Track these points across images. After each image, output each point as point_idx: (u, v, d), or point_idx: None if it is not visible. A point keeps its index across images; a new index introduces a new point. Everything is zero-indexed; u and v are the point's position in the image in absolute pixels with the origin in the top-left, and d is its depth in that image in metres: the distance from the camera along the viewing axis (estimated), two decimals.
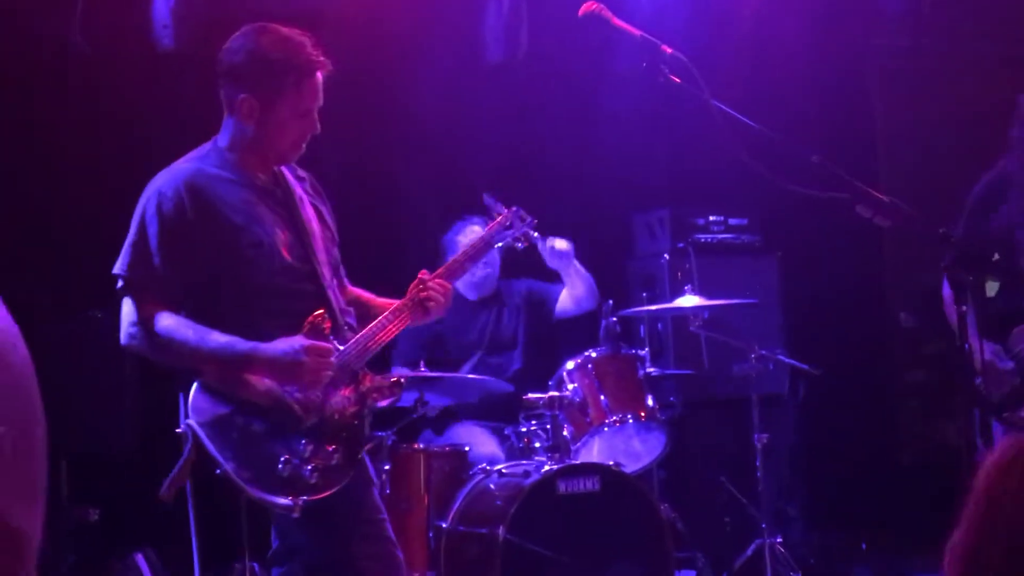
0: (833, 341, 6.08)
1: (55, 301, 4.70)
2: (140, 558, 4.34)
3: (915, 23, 6.05)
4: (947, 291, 3.81)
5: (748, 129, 2.77)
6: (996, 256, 3.31)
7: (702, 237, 5.92)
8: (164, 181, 3.02)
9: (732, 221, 6.02)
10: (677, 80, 2.82)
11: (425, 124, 5.78)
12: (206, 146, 3.13)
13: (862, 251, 6.18)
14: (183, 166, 3.07)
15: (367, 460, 3.16)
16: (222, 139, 3.12)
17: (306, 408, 2.97)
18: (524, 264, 5.33)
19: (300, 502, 2.89)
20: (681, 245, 5.77)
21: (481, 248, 3.50)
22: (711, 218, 5.98)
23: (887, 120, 6.47)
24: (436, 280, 3.25)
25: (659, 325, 5.74)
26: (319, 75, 3.05)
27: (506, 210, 3.57)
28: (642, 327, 5.46)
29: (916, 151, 6.48)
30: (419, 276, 3.26)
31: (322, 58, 3.05)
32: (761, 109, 5.92)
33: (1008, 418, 3.66)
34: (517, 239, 3.55)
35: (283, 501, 2.88)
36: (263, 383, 2.94)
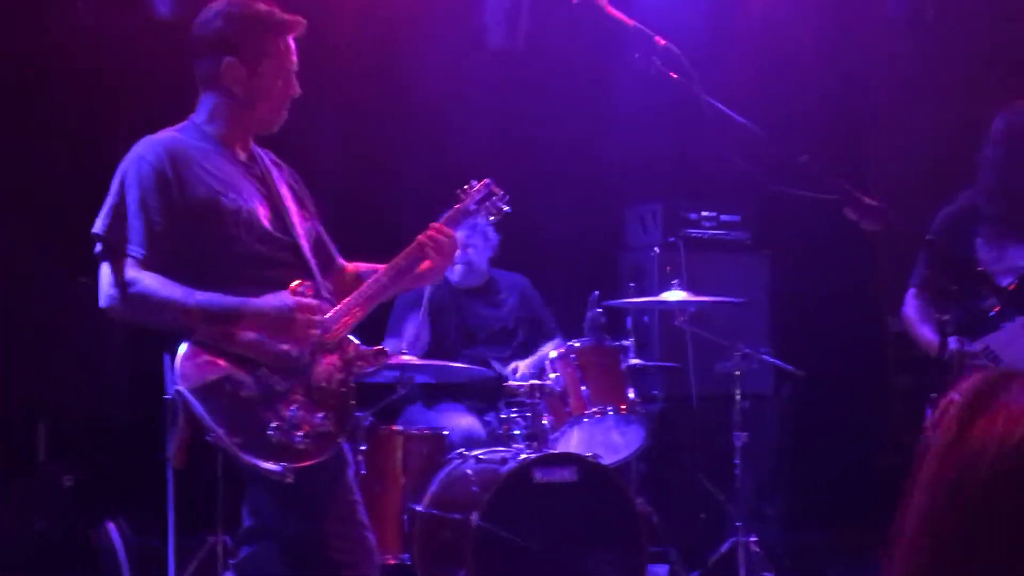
0: (821, 342, 6.06)
1: (43, 265, 4.67)
2: (112, 527, 4.32)
3: (919, 28, 6.03)
4: (909, 308, 3.83)
5: (739, 126, 2.75)
6: (980, 269, 3.31)
7: (694, 232, 5.91)
8: (145, 147, 3.02)
9: (724, 217, 6.00)
10: (674, 76, 2.80)
11: (422, 107, 5.76)
12: (182, 124, 3.13)
13: (855, 253, 6.15)
14: (164, 134, 3.08)
15: (344, 443, 3.15)
16: (199, 115, 3.12)
17: (296, 363, 2.97)
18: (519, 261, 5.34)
19: (290, 468, 2.89)
20: (672, 239, 5.75)
21: (458, 215, 3.47)
22: (704, 213, 5.96)
23: (890, 123, 6.45)
24: (434, 227, 3.26)
25: (645, 318, 5.73)
26: (291, 37, 3.07)
27: (477, 183, 3.57)
28: (628, 319, 5.44)
29: (918, 155, 6.46)
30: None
31: (296, 17, 3.06)
32: (765, 109, 5.97)
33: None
34: (490, 211, 3.54)
35: (273, 467, 2.87)
36: (252, 334, 2.93)
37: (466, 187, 3.50)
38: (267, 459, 2.88)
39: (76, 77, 4.98)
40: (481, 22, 5.74)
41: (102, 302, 2.96)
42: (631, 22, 2.83)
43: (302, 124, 5.69)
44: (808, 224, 5.90)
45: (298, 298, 2.99)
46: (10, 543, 4.24)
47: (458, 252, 4.91)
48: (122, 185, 2.98)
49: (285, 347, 2.95)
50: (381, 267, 3.26)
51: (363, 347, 3.14)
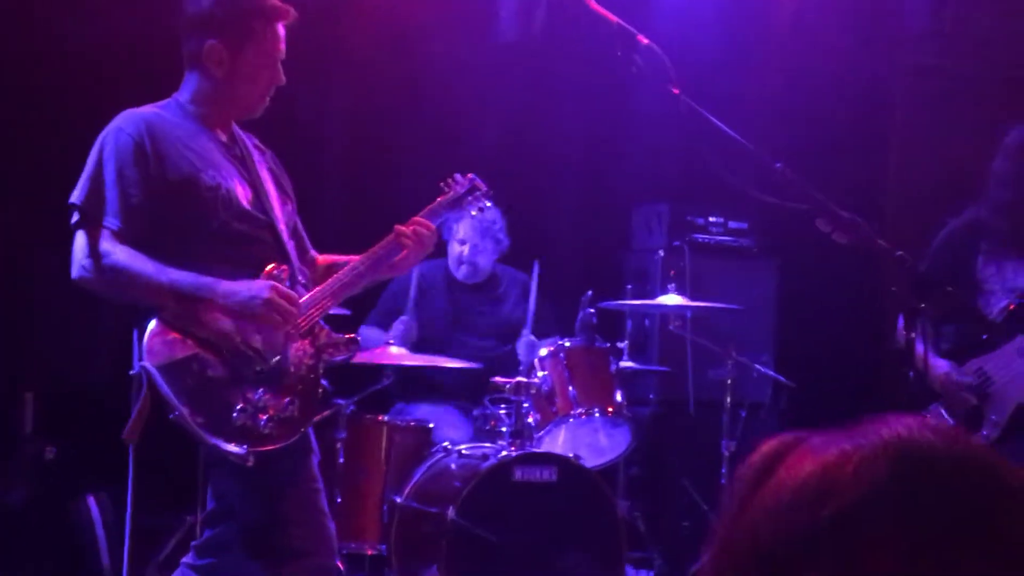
0: (824, 353, 5.99)
1: (32, 232, 4.67)
2: (91, 500, 4.33)
3: (937, 41, 5.94)
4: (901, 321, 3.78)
5: (716, 129, 2.70)
6: (950, 289, 3.25)
7: (700, 237, 5.85)
8: (124, 120, 3.01)
9: (732, 224, 5.94)
10: (675, 85, 2.75)
11: (432, 100, 5.74)
12: (165, 101, 3.12)
13: (862, 264, 6.08)
14: (145, 109, 3.07)
15: (309, 429, 3.14)
16: (182, 94, 3.11)
17: (264, 352, 2.95)
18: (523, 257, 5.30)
19: (253, 451, 2.87)
20: (677, 243, 5.69)
21: (440, 207, 3.46)
22: (711, 219, 5.90)
23: (908, 136, 6.36)
24: (415, 220, 3.26)
25: (647, 321, 5.67)
26: (281, 24, 3.04)
27: (462, 177, 3.55)
28: (629, 321, 5.40)
29: (937, 168, 6.37)
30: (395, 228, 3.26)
31: (287, 6, 3.04)
32: (783, 119, 5.93)
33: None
34: (473, 205, 3.53)
35: (236, 449, 2.87)
36: (223, 321, 2.91)
37: (449, 180, 3.48)
38: (230, 441, 2.87)
39: (76, 41, 4.96)
40: (495, 15, 5.71)
41: (74, 272, 2.95)
42: (614, 19, 2.79)
43: (313, 114, 5.76)
44: (816, 233, 5.83)
45: (273, 283, 2.98)
46: None
47: (466, 252, 4.93)
48: (100, 156, 2.97)
49: (255, 344, 2.93)
50: (352, 258, 3.25)
51: (334, 335, 3.13)
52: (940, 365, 3.77)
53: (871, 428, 0.88)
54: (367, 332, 4.81)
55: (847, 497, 0.81)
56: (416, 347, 4.76)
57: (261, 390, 2.94)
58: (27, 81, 4.89)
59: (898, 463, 0.83)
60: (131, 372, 2.99)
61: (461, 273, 5.07)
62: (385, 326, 4.83)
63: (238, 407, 2.90)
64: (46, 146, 4.67)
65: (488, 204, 3.51)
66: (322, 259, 3.35)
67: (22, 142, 4.84)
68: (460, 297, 5.09)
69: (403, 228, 3.25)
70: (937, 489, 0.81)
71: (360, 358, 4.23)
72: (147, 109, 3.07)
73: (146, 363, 2.88)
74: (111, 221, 2.93)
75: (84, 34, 4.93)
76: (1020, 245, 3.86)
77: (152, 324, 2.91)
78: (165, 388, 2.86)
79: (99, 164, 2.97)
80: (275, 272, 3.03)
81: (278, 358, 2.99)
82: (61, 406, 4.69)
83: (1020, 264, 3.84)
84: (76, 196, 2.97)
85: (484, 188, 3.50)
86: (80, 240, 2.96)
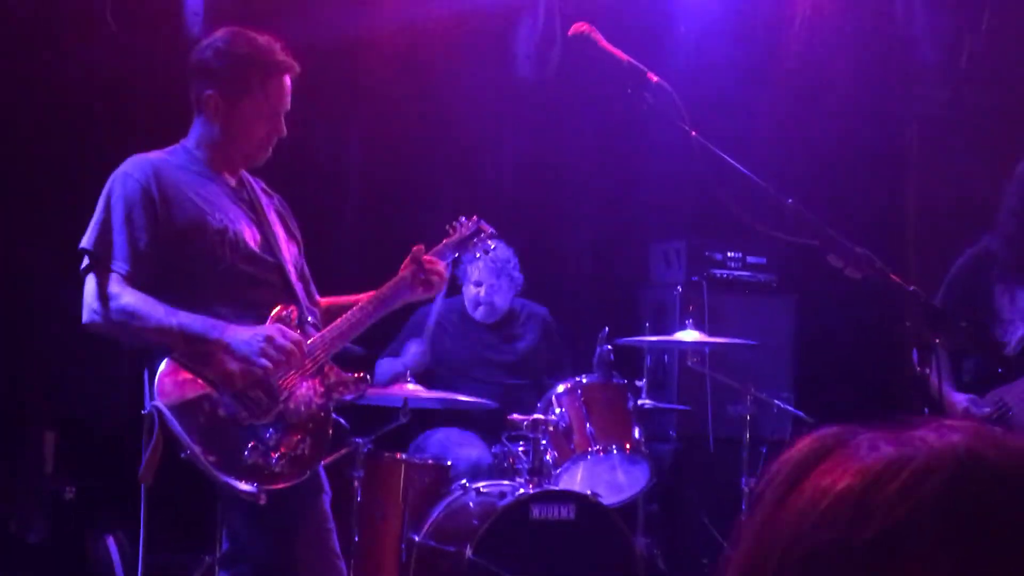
0: (846, 389, 5.95)
1: (53, 272, 4.71)
2: (110, 540, 4.33)
3: (953, 75, 5.94)
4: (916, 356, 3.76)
5: (728, 165, 2.71)
6: (964, 323, 3.23)
7: (718, 272, 5.84)
8: (132, 165, 3.05)
9: (751, 259, 5.93)
10: (663, 116, 2.76)
11: (450, 136, 5.77)
12: (173, 147, 3.15)
13: (882, 298, 6.04)
14: (153, 154, 3.10)
15: (320, 468, 3.14)
16: (189, 140, 3.15)
17: (272, 394, 2.96)
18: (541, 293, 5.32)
19: (264, 489, 2.88)
20: (695, 278, 5.69)
21: (451, 246, 3.49)
22: (729, 254, 5.89)
23: (923, 170, 6.35)
24: (429, 259, 3.29)
25: (665, 357, 5.66)
26: (287, 78, 3.07)
27: (467, 220, 3.58)
28: (647, 357, 5.38)
29: (951, 203, 6.35)
30: (412, 253, 3.29)
31: (290, 61, 3.06)
32: (798, 151, 5.93)
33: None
34: (478, 247, 3.57)
35: (247, 487, 2.87)
36: (231, 363, 2.93)
37: (455, 223, 3.51)
38: (241, 479, 2.88)
39: (106, 87, 5.03)
40: (511, 54, 5.74)
41: (84, 317, 2.98)
42: (625, 57, 2.80)
43: (331, 151, 5.80)
44: (833, 268, 5.81)
45: (280, 327, 2.99)
46: (5, 553, 4.26)
47: (482, 293, 4.96)
48: (108, 201, 3.00)
49: (260, 387, 2.95)
50: (358, 297, 3.26)
51: (344, 374, 3.14)
52: (958, 399, 3.75)
53: (922, 434, 0.82)
54: (383, 363, 4.82)
55: (889, 518, 0.76)
56: (432, 383, 4.76)
57: (272, 429, 2.96)
58: (51, 118, 4.96)
59: (951, 481, 0.77)
60: (143, 412, 3.00)
61: (479, 314, 5.08)
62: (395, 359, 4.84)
63: (249, 445, 2.91)
64: (68, 185, 4.72)
65: (493, 246, 3.52)
66: (325, 301, 3.37)
67: (45, 181, 4.90)
68: (478, 336, 5.09)
69: (411, 271, 3.26)
70: (994, 510, 0.76)
71: (376, 395, 4.25)
72: (154, 154, 3.11)
73: (158, 403, 2.89)
74: (119, 265, 2.96)
75: (96, 77, 5.01)
76: None
77: (163, 364, 2.93)
78: (177, 427, 2.87)
79: (107, 209, 3.00)
80: (284, 313, 3.04)
81: (286, 397, 3.00)
82: (81, 445, 4.71)
83: None
84: (86, 241, 3.00)
85: (490, 230, 3.53)
86: (90, 284, 2.98)
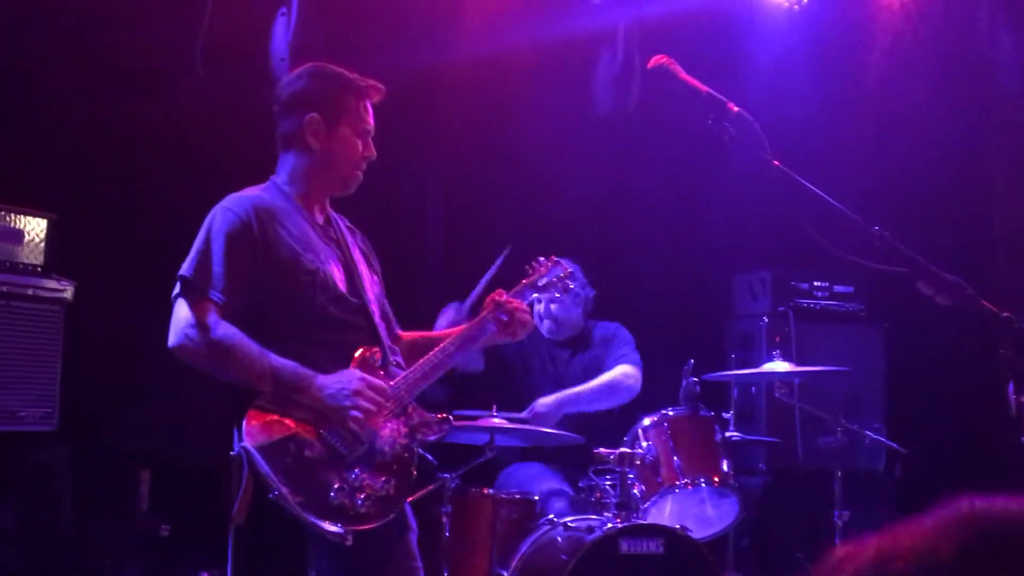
0: (939, 419, 5.83)
1: (159, 311, 4.82)
2: None
3: None
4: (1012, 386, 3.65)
5: (811, 194, 2.68)
6: None
7: (804, 302, 5.77)
8: (231, 201, 3.09)
9: (838, 288, 5.86)
10: (745, 146, 2.75)
11: (531, 171, 5.80)
12: (265, 184, 3.20)
13: (973, 327, 5.92)
14: (249, 191, 3.15)
15: (406, 506, 3.15)
16: (280, 175, 3.20)
17: (356, 439, 2.99)
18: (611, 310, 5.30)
19: (351, 530, 2.89)
20: (781, 309, 5.63)
21: (524, 289, 3.51)
22: (815, 283, 5.82)
23: (1008, 195, 6.23)
24: (512, 301, 3.30)
25: (752, 389, 5.60)
26: (370, 102, 3.15)
27: (545, 260, 3.60)
28: (735, 390, 5.33)
29: None
30: (492, 297, 3.31)
31: (376, 83, 3.15)
32: (881, 180, 5.85)
33: None
34: (556, 287, 3.58)
35: (334, 528, 2.88)
36: (316, 409, 2.96)
37: (534, 263, 3.53)
38: (328, 520, 2.89)
39: (192, 130, 5.15)
40: (590, 89, 5.77)
41: (174, 340, 2.95)
42: (705, 88, 2.80)
43: (414, 183, 5.86)
44: (923, 296, 5.71)
45: (365, 375, 3.01)
46: None
47: (542, 308, 4.99)
48: (209, 232, 3.04)
49: (350, 426, 2.98)
50: (440, 334, 3.29)
51: (427, 414, 3.15)
52: None
53: (949, 508, 0.83)
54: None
55: (906, 565, 0.78)
56: (518, 406, 4.78)
57: (357, 470, 2.97)
58: (145, 159, 5.08)
59: (964, 532, 0.79)
60: (231, 453, 3.03)
61: (545, 329, 5.12)
62: (488, 392, 4.84)
63: (335, 486, 2.92)
64: (156, 223, 4.83)
65: (572, 285, 3.52)
66: (406, 336, 3.39)
67: (131, 219, 5.02)
68: (556, 354, 5.14)
69: (494, 314, 3.28)
70: (1008, 560, 0.77)
71: (461, 431, 4.27)
72: (250, 191, 3.15)
73: (246, 444, 2.92)
74: (216, 295, 2.98)
75: (186, 120, 5.13)
76: None
77: (250, 408, 2.96)
78: (265, 468, 2.89)
79: (207, 240, 3.04)
80: (367, 356, 3.06)
81: (371, 438, 3.02)
82: (176, 484, 4.78)
83: None
84: (185, 268, 3.04)
85: (570, 271, 3.53)
86: (183, 310, 2.99)
